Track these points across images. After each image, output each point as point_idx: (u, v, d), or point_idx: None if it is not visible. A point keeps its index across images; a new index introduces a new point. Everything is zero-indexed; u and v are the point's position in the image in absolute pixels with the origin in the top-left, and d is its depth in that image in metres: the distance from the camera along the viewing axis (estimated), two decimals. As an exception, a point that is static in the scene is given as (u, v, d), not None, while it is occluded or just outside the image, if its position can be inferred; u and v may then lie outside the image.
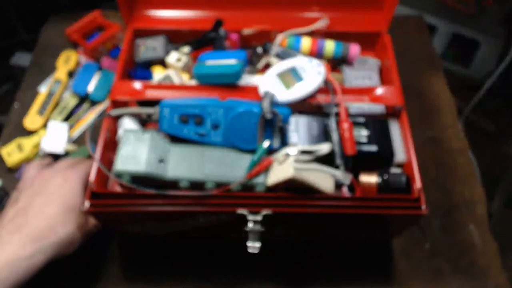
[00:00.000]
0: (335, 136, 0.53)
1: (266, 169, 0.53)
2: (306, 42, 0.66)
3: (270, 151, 0.54)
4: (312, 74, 0.56)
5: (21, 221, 0.45)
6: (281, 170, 0.51)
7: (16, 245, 0.42)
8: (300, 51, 0.67)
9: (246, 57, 0.60)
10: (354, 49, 0.66)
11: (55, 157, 0.72)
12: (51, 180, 0.49)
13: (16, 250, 0.42)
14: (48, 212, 0.46)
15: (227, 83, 0.58)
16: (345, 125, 0.54)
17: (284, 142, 0.55)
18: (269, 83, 0.57)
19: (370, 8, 0.70)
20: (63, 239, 0.46)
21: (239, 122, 0.53)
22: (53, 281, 0.64)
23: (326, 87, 0.58)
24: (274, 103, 0.54)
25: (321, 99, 0.58)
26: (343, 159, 0.52)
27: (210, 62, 0.60)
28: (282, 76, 0.58)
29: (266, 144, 0.52)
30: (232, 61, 0.58)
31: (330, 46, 0.66)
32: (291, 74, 0.58)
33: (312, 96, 0.57)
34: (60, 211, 0.46)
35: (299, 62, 0.58)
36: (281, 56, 0.64)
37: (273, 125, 0.53)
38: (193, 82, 0.64)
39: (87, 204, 0.50)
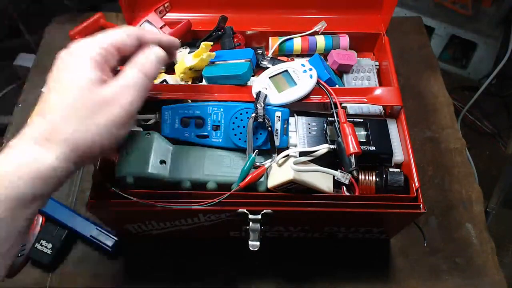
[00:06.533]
0: (342, 140, 0.54)
1: (260, 177, 0.52)
2: (298, 42, 0.68)
3: (265, 150, 0.54)
4: (304, 78, 0.57)
5: (29, 127, 0.35)
6: (281, 172, 0.52)
7: (20, 148, 0.34)
8: (293, 51, 0.68)
9: (254, 55, 0.60)
10: (344, 39, 0.68)
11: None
12: (61, 58, 0.38)
13: (17, 155, 0.33)
14: (52, 112, 0.35)
15: (236, 84, 0.59)
16: (346, 126, 0.54)
17: (280, 142, 0.55)
18: (261, 86, 0.57)
19: (369, 10, 0.71)
20: (79, 139, 0.35)
21: (239, 121, 0.53)
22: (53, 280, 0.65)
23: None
24: (268, 104, 0.54)
25: (316, 100, 0.58)
26: (347, 159, 0.53)
27: (219, 63, 0.60)
28: (275, 79, 0.58)
29: (254, 153, 0.53)
30: (240, 61, 0.59)
31: (321, 40, 0.68)
32: (284, 77, 0.58)
33: (307, 97, 0.58)
34: (64, 106, 0.35)
35: (292, 65, 0.59)
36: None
37: (265, 127, 0.53)
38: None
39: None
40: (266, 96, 0.54)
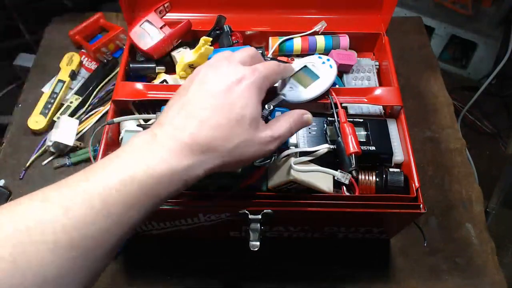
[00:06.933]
0: (341, 140, 0.54)
1: (260, 177, 0.53)
2: (298, 42, 0.68)
3: None
4: (325, 69, 0.57)
5: (181, 124, 0.37)
6: (281, 172, 0.52)
7: (171, 156, 0.35)
8: (293, 51, 0.68)
9: None
10: (344, 39, 0.68)
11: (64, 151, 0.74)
12: (222, 79, 0.39)
13: (170, 162, 0.35)
14: (212, 122, 0.37)
15: None
16: (346, 126, 0.54)
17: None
18: (285, 86, 0.57)
19: (369, 10, 0.71)
20: (224, 155, 0.38)
21: None
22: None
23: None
24: (279, 105, 0.54)
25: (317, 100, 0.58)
26: (347, 159, 0.53)
27: None
28: (296, 76, 0.58)
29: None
30: None
31: (321, 40, 0.68)
32: (305, 73, 0.58)
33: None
34: (223, 123, 0.37)
35: (310, 60, 0.59)
36: None
37: None
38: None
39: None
40: (282, 100, 0.52)
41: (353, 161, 0.51)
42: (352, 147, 0.51)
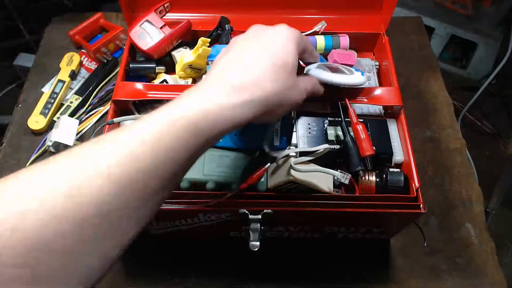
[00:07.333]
0: (349, 140, 0.53)
1: (261, 177, 0.53)
2: None
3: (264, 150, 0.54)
4: (355, 73, 0.55)
5: (228, 68, 0.40)
6: (282, 172, 0.52)
7: (218, 94, 0.37)
8: None
9: None
10: (344, 39, 0.68)
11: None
12: (264, 32, 0.43)
13: (218, 99, 0.37)
14: (257, 67, 0.40)
15: None
16: (359, 127, 0.53)
17: (280, 142, 0.55)
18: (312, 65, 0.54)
19: (369, 10, 0.71)
20: (271, 96, 0.40)
21: None
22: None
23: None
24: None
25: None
26: (361, 161, 0.52)
27: None
28: (328, 66, 0.55)
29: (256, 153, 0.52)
30: None
31: (321, 40, 0.68)
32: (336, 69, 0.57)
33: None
34: (269, 66, 0.40)
35: (343, 65, 0.57)
36: None
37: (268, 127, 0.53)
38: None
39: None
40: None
41: (369, 163, 0.51)
42: (367, 149, 0.51)
